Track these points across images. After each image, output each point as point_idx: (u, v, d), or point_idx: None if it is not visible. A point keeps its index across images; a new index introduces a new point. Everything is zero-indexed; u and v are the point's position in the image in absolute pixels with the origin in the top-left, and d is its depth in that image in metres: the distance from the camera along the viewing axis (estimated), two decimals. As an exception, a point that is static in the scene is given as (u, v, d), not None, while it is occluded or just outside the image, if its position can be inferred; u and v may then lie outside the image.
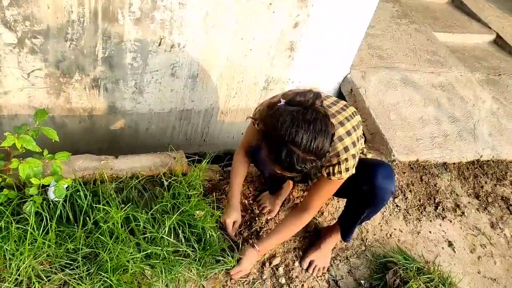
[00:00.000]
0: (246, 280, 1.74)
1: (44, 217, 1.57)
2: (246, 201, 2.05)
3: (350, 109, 1.53)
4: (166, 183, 1.88)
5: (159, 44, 2.05)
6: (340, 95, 2.80)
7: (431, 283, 1.80)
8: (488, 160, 2.62)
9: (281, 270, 1.82)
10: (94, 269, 1.56)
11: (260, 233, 1.91)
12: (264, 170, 1.87)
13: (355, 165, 1.51)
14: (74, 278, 1.52)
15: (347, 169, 1.48)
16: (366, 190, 1.62)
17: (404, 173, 2.39)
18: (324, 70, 2.60)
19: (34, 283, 1.49)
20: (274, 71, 2.43)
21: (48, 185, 1.63)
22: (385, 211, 2.18)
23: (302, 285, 1.79)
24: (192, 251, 1.70)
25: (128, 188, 1.83)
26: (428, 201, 2.31)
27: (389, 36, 3.33)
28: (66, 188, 1.65)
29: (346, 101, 2.70)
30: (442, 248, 2.12)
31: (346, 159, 1.46)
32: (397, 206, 2.23)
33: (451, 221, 2.25)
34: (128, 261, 1.56)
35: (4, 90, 1.97)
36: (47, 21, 1.79)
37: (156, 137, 2.52)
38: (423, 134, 2.56)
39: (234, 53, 2.24)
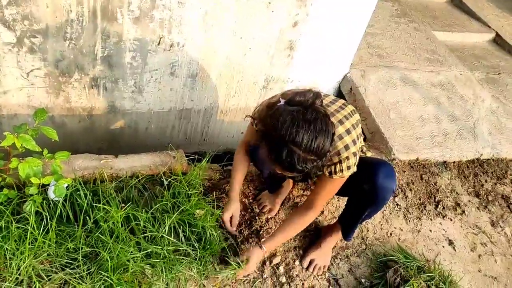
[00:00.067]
0: (246, 279, 1.74)
1: (44, 217, 1.57)
2: (246, 200, 2.05)
3: (348, 108, 1.53)
4: (166, 182, 1.87)
5: (158, 43, 2.05)
6: (339, 94, 2.80)
7: (432, 282, 1.80)
8: (488, 159, 2.62)
9: (281, 269, 1.82)
10: (95, 268, 1.55)
11: (260, 232, 1.91)
12: (264, 170, 1.87)
13: (356, 163, 1.51)
14: (75, 277, 1.52)
15: (348, 167, 1.48)
16: (367, 189, 1.62)
17: (404, 172, 2.39)
18: (324, 69, 2.60)
19: (34, 282, 1.49)
20: (274, 70, 2.43)
21: (48, 185, 1.63)
22: (385, 210, 2.18)
23: (303, 284, 1.79)
24: (193, 250, 1.70)
25: (128, 188, 1.82)
26: (428, 200, 2.31)
27: (389, 35, 3.33)
28: (66, 187, 1.65)
29: (345, 100, 2.70)
30: (443, 246, 2.12)
31: (347, 158, 1.46)
32: (397, 204, 2.23)
33: (451, 220, 2.25)
34: (128, 260, 1.56)
35: (4, 90, 1.96)
36: (46, 20, 1.79)
37: (156, 136, 2.52)
38: (423, 133, 2.56)
39: (233, 52, 2.24)
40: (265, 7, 2.10)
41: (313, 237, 1.95)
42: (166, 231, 1.67)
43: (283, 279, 1.78)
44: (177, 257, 1.66)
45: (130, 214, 1.69)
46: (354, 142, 1.47)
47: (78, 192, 1.68)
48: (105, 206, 1.64)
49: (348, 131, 1.46)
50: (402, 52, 3.18)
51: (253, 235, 1.90)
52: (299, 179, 1.89)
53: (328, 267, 1.87)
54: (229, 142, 2.74)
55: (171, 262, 1.64)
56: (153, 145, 2.50)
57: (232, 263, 1.65)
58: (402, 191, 2.30)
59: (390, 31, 3.38)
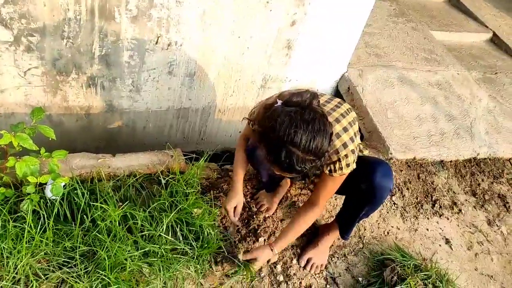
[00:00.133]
0: (244, 278, 1.74)
1: (42, 216, 1.57)
2: (244, 199, 2.05)
3: (344, 106, 1.53)
4: (163, 181, 1.87)
5: (156, 42, 2.04)
6: (337, 93, 2.80)
7: (429, 280, 1.81)
8: (485, 158, 2.63)
9: (279, 267, 1.82)
10: (92, 267, 1.55)
11: (258, 231, 1.91)
12: (262, 171, 1.87)
13: (355, 160, 1.52)
14: (72, 276, 1.52)
15: (347, 165, 1.49)
16: (365, 188, 1.63)
17: (401, 171, 2.40)
18: (322, 68, 2.61)
19: (31, 281, 1.49)
20: (272, 69, 2.43)
21: (45, 184, 1.63)
22: (382, 209, 2.19)
23: (300, 282, 1.80)
24: (190, 249, 1.70)
25: (125, 186, 1.82)
26: (425, 199, 2.32)
27: (386, 35, 3.34)
28: (63, 186, 1.64)
29: (343, 99, 2.71)
30: (439, 245, 2.13)
31: (346, 155, 1.47)
32: (394, 203, 2.24)
33: (448, 219, 2.26)
34: (126, 259, 1.56)
35: (1, 89, 1.96)
36: (43, 19, 1.79)
37: (154, 135, 2.51)
38: (420, 132, 2.57)
39: (231, 51, 2.24)
40: (263, 6, 2.10)
41: (310, 236, 1.96)
42: (164, 230, 1.67)
43: (281, 278, 1.79)
44: (175, 256, 1.66)
45: (127, 213, 1.69)
46: (352, 139, 1.48)
47: (75, 191, 1.68)
48: (103, 205, 1.64)
49: (345, 129, 1.47)
50: (399, 51, 3.19)
51: (250, 234, 1.90)
52: (297, 178, 1.89)
53: (326, 265, 1.88)
54: (227, 141, 2.74)
55: (169, 261, 1.64)
56: (150, 144, 2.50)
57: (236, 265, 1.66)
58: (399, 190, 2.31)
59: (388, 31, 3.39)
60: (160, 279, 1.60)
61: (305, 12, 2.22)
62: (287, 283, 1.78)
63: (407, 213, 2.22)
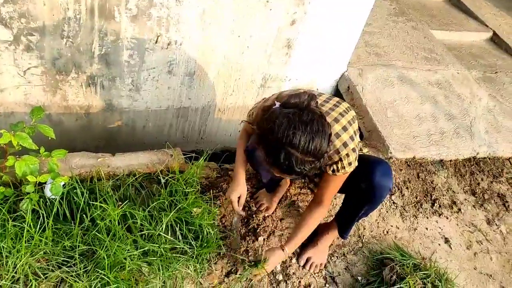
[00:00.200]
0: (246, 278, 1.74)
1: (41, 215, 1.57)
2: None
3: (343, 105, 1.53)
4: (163, 181, 1.88)
5: (156, 42, 2.04)
6: (337, 92, 2.80)
7: (428, 279, 1.81)
8: (484, 157, 2.63)
9: (278, 266, 1.82)
10: (91, 266, 1.56)
11: (257, 230, 1.92)
12: (262, 172, 1.87)
13: (357, 158, 1.53)
14: (71, 276, 1.53)
15: (349, 163, 1.50)
16: (364, 187, 1.64)
17: (401, 170, 2.40)
18: (321, 67, 2.61)
19: (31, 280, 1.49)
20: (271, 68, 2.43)
21: (45, 183, 1.63)
22: (382, 208, 2.19)
23: (299, 281, 1.80)
24: (189, 248, 1.70)
25: (125, 186, 1.82)
26: (424, 198, 2.32)
27: (386, 34, 3.33)
28: (63, 185, 1.65)
29: (343, 98, 2.71)
30: (439, 244, 2.13)
31: (347, 154, 1.47)
32: (394, 203, 2.24)
33: (447, 218, 2.26)
34: (125, 258, 1.56)
35: (0, 88, 1.96)
36: (43, 18, 1.78)
37: (153, 134, 2.51)
38: (420, 131, 2.57)
39: (231, 50, 2.24)
40: (263, 5, 2.10)
41: (310, 235, 1.95)
42: (163, 229, 1.67)
43: (280, 277, 1.79)
44: (174, 255, 1.67)
45: (127, 212, 1.69)
46: (351, 138, 1.48)
47: (75, 190, 1.68)
48: (102, 204, 1.64)
49: (344, 128, 1.47)
50: (399, 50, 3.18)
51: (250, 233, 1.91)
52: (298, 178, 1.89)
53: (325, 265, 1.88)
54: (226, 140, 2.74)
55: (168, 260, 1.64)
56: (150, 143, 2.50)
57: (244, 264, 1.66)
58: (398, 189, 2.31)
59: (387, 30, 3.39)
60: (160, 278, 1.61)
61: (305, 11, 2.22)
62: (286, 282, 1.78)
63: (407, 212, 2.22)
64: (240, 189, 1.69)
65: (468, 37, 3.75)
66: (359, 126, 2.53)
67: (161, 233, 1.66)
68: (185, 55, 2.16)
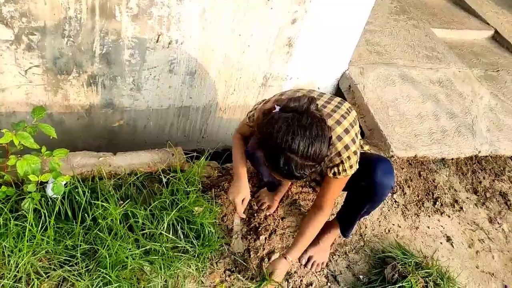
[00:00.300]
0: (246, 276, 1.74)
1: (43, 214, 1.57)
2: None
3: (345, 106, 1.52)
4: (164, 180, 1.88)
5: (157, 41, 2.04)
6: (338, 91, 2.80)
7: (430, 278, 1.81)
8: (486, 156, 2.62)
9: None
10: (93, 265, 1.56)
11: (259, 229, 1.92)
12: (263, 171, 1.86)
13: (358, 161, 1.52)
14: (73, 275, 1.53)
15: (351, 166, 1.49)
16: (366, 185, 1.63)
17: (402, 169, 2.39)
18: (323, 66, 2.60)
19: (33, 279, 1.49)
20: (273, 67, 2.43)
21: (46, 182, 1.63)
22: (383, 207, 2.19)
23: (301, 280, 1.80)
24: (191, 247, 1.71)
25: (126, 185, 1.83)
26: (426, 197, 2.32)
27: (388, 32, 3.33)
28: (65, 185, 1.65)
29: (344, 97, 2.70)
30: (441, 243, 2.12)
31: (349, 157, 1.47)
32: (395, 201, 2.24)
33: (449, 216, 2.26)
34: (127, 257, 1.56)
35: (1, 87, 1.96)
36: (44, 18, 1.79)
37: (155, 133, 2.52)
38: (422, 130, 2.57)
39: (232, 49, 2.24)
40: (264, 4, 2.10)
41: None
42: (165, 228, 1.67)
43: (282, 276, 1.79)
44: (176, 254, 1.67)
45: (128, 211, 1.69)
46: (353, 141, 1.47)
47: (76, 190, 1.68)
48: (104, 204, 1.64)
49: (346, 131, 1.46)
50: (401, 49, 3.18)
51: (251, 232, 1.91)
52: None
53: (327, 263, 1.88)
54: (228, 139, 2.74)
55: (170, 259, 1.64)
56: (151, 142, 2.50)
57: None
58: (400, 188, 2.31)
59: (389, 28, 3.38)
60: (161, 277, 1.61)
61: (306, 10, 2.21)
62: (288, 281, 1.78)
63: (408, 211, 2.22)
64: (245, 192, 1.67)
65: (470, 36, 3.75)
66: (360, 125, 2.53)
67: (162, 232, 1.67)
68: (186, 54, 2.16)
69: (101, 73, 2.08)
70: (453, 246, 2.13)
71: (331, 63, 2.63)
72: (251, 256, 1.82)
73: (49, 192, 1.62)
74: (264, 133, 1.29)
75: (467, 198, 2.39)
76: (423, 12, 3.82)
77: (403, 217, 2.18)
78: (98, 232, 1.60)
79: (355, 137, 1.49)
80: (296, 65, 2.48)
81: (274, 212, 2.01)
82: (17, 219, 1.56)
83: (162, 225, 1.67)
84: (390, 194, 2.24)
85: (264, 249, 1.85)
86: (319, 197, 1.66)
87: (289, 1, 2.14)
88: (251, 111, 1.59)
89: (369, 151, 1.85)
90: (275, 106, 1.33)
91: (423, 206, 2.26)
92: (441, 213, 2.26)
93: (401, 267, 1.83)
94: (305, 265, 1.85)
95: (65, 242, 1.58)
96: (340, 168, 1.49)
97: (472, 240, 2.19)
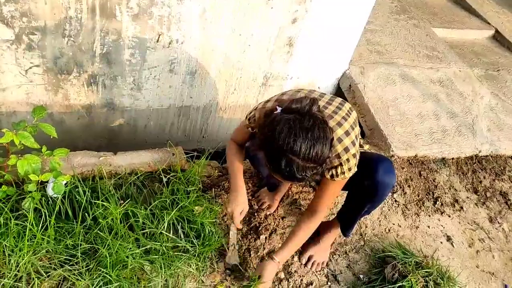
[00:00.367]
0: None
1: (43, 213, 1.57)
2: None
3: (346, 107, 1.52)
4: (165, 179, 1.88)
5: (157, 40, 2.04)
6: (338, 90, 2.80)
7: (430, 277, 1.81)
8: (486, 155, 2.62)
9: (280, 265, 1.82)
10: (94, 264, 1.56)
11: (259, 229, 1.92)
12: (264, 171, 1.86)
13: (357, 163, 1.51)
14: (74, 274, 1.53)
15: (349, 169, 1.49)
16: (367, 185, 1.62)
17: (403, 168, 2.39)
18: (323, 65, 2.60)
19: (33, 279, 1.49)
20: (273, 67, 2.43)
21: (47, 182, 1.63)
22: (384, 206, 2.19)
23: (301, 279, 1.80)
24: (191, 246, 1.71)
25: (127, 184, 1.83)
26: (426, 196, 2.32)
27: (388, 32, 3.32)
28: (65, 184, 1.65)
29: (345, 96, 2.70)
30: (441, 242, 2.12)
31: (348, 160, 1.46)
32: (396, 201, 2.24)
33: (449, 216, 2.26)
34: (127, 257, 1.57)
35: (2, 87, 1.97)
36: (44, 17, 1.79)
37: (155, 133, 2.52)
38: (422, 129, 2.57)
39: (232, 49, 2.24)
40: (264, 3, 2.10)
41: (312, 233, 1.96)
42: (165, 227, 1.67)
43: (282, 275, 1.79)
44: (176, 253, 1.67)
45: (129, 211, 1.69)
46: (353, 143, 1.46)
47: (77, 189, 1.68)
48: (104, 203, 1.64)
49: (347, 133, 1.45)
50: (401, 48, 3.18)
51: (251, 232, 1.91)
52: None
53: (327, 263, 1.88)
54: (228, 139, 2.73)
55: (170, 259, 1.65)
56: (152, 142, 2.50)
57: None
58: (400, 187, 2.31)
59: (389, 28, 3.38)
60: (161, 276, 1.61)
61: (307, 10, 2.21)
62: (288, 281, 1.78)
63: (409, 210, 2.21)
64: (243, 204, 1.66)
65: (470, 35, 3.74)
66: (360, 125, 2.53)
67: (163, 231, 1.67)
68: (186, 54, 2.16)
69: (102, 72, 2.08)
70: (453, 246, 2.13)
71: (332, 63, 2.63)
72: (251, 255, 1.82)
73: (50, 191, 1.63)
74: (266, 134, 1.29)
75: (468, 197, 2.39)
76: (424, 12, 3.81)
77: (403, 217, 2.18)
78: (98, 232, 1.60)
79: (355, 139, 1.48)
80: (296, 64, 2.48)
81: (274, 211, 2.01)
82: (18, 219, 1.56)
83: (163, 224, 1.67)
84: (390, 194, 2.24)
85: (264, 248, 1.85)
86: (314, 199, 1.65)
87: (289, 1, 2.14)
88: (250, 112, 1.59)
89: (369, 151, 1.85)
90: (277, 107, 1.32)
91: (423, 205, 2.26)
92: (442, 213, 2.26)
93: (401, 267, 1.83)
94: (305, 265, 1.85)
95: (66, 242, 1.58)
96: (339, 170, 1.48)
97: (472, 239, 2.19)
